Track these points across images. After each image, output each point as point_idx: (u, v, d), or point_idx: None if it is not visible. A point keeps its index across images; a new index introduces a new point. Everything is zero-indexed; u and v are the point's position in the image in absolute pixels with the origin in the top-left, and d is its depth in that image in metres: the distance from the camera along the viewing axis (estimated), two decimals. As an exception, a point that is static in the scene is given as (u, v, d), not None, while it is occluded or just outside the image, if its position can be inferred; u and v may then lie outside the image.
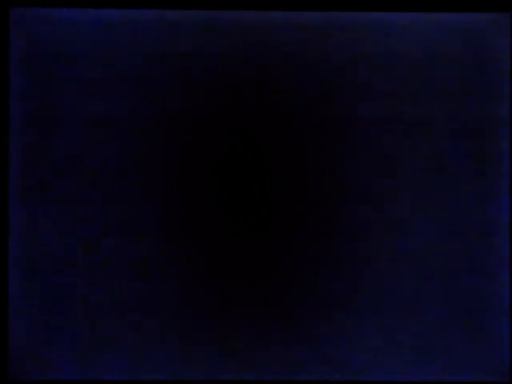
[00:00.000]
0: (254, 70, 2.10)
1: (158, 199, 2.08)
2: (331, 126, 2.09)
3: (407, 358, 2.08)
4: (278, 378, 2.08)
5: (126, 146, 2.08)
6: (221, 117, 2.10)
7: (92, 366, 2.07)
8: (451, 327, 2.08)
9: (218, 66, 2.10)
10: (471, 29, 2.11)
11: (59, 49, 2.08)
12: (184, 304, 2.08)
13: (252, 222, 2.08)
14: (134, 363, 2.07)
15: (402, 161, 2.09)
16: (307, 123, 2.09)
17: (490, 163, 2.10)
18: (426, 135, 2.09)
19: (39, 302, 2.06)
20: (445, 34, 2.11)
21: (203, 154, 2.09)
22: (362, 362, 2.08)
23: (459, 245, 2.08)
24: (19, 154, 2.07)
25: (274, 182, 2.09)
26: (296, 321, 2.08)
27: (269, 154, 2.09)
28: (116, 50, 2.09)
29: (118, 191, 2.08)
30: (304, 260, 2.08)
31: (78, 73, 2.08)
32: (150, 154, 2.09)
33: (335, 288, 2.08)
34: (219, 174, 2.09)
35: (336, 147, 2.09)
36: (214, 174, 2.09)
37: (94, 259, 2.07)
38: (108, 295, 2.06)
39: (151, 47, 2.10)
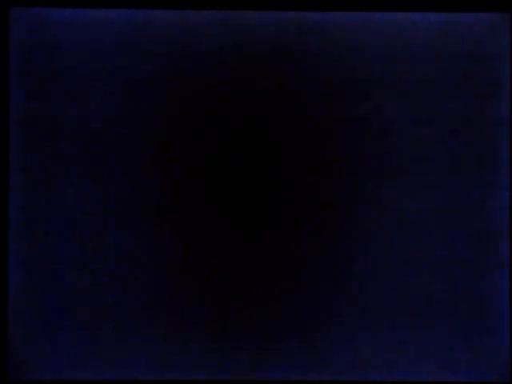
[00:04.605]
0: (253, 70, 2.10)
1: (158, 199, 2.08)
2: (331, 125, 2.09)
3: (407, 358, 2.08)
4: (278, 378, 2.08)
5: (126, 145, 2.08)
6: (219, 117, 2.10)
7: (92, 365, 2.07)
8: (451, 327, 2.08)
9: (217, 66, 2.10)
10: (471, 29, 2.11)
11: (59, 49, 2.08)
12: (184, 304, 2.08)
13: (253, 221, 2.08)
14: (134, 363, 2.07)
15: (401, 161, 2.09)
16: (307, 122, 2.09)
17: (490, 163, 2.10)
18: (426, 135, 2.09)
19: (39, 302, 2.06)
20: (445, 33, 2.11)
21: (203, 153, 2.09)
22: (363, 362, 2.08)
23: (459, 244, 2.08)
24: (19, 154, 2.07)
25: (276, 181, 2.09)
26: (296, 321, 2.08)
27: (269, 154, 2.09)
28: (116, 49, 2.09)
29: (118, 190, 2.08)
30: (305, 260, 2.08)
31: (78, 73, 2.08)
32: (150, 153, 2.09)
33: (336, 288, 2.08)
34: (219, 173, 2.09)
35: (336, 146, 2.09)
36: (214, 174, 2.09)
37: (94, 258, 2.07)
38: (108, 294, 2.06)
39: (151, 47, 2.10)
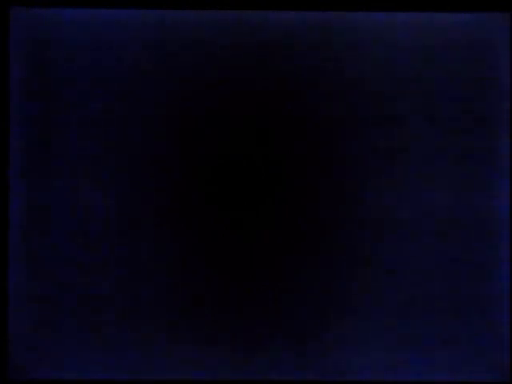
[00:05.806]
0: (253, 70, 2.10)
1: (158, 199, 2.08)
2: (331, 125, 2.09)
3: (407, 358, 2.08)
4: (277, 378, 2.08)
5: (126, 145, 2.08)
6: (219, 117, 2.10)
7: (92, 365, 2.07)
8: (451, 327, 2.08)
9: (217, 66, 2.10)
10: (471, 29, 2.11)
11: (59, 49, 2.08)
12: (184, 304, 2.08)
13: (253, 221, 2.08)
14: (134, 363, 2.07)
15: (401, 161, 2.09)
16: (307, 122, 2.10)
17: (490, 163, 2.10)
18: (426, 135, 2.09)
19: (39, 302, 2.06)
20: (445, 33, 2.11)
21: (203, 153, 2.10)
22: (363, 362, 2.08)
23: (459, 244, 2.08)
24: (19, 154, 2.07)
25: (276, 181, 2.09)
26: (296, 321, 2.08)
27: (269, 154, 2.09)
28: (116, 49, 2.09)
29: (118, 190, 2.08)
30: (305, 260, 2.08)
31: (77, 73, 2.08)
32: (150, 153, 2.09)
33: (337, 288, 2.08)
34: (219, 173, 2.09)
35: (336, 146, 2.09)
36: (214, 174, 2.09)
37: (94, 258, 2.07)
38: (109, 294, 2.06)
39: (151, 47, 2.10)
